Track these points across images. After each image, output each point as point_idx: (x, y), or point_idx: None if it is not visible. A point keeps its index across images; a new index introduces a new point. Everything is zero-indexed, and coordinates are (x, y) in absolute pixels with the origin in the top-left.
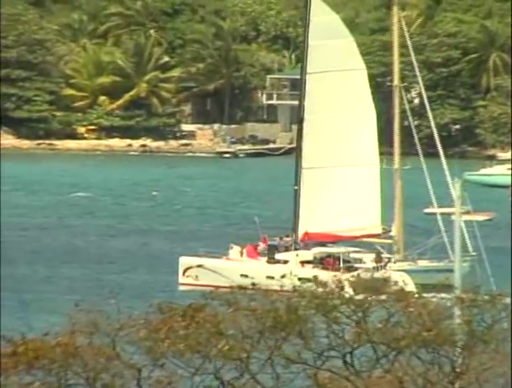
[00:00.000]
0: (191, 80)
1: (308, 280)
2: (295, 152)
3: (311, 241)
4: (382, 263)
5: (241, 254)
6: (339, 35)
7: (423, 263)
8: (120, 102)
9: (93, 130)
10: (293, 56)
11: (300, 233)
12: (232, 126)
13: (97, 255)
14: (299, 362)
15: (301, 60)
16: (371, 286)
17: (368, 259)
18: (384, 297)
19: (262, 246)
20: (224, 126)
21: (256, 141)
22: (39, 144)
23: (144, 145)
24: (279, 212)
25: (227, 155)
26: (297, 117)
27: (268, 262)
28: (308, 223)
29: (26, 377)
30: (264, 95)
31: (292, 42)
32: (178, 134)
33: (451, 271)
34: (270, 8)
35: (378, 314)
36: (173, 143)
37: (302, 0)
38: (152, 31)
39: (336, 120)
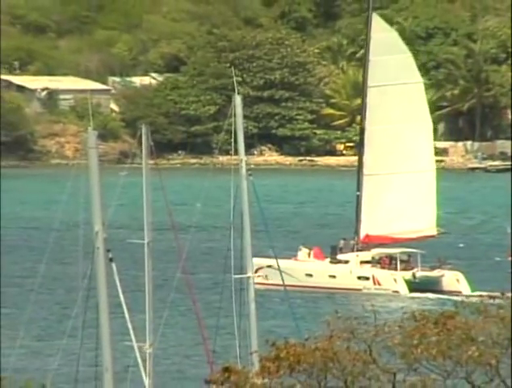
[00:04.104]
0: (445, 100)
1: (366, 278)
2: None
3: (371, 242)
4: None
5: (309, 255)
6: (398, 51)
7: None
8: None
9: (351, 147)
10: None
11: (362, 235)
12: (483, 143)
13: None
14: None
15: (363, 74)
16: None
17: None
18: None
19: None
20: (476, 143)
21: (506, 157)
22: (300, 160)
23: None
24: None
25: (478, 171)
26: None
27: (331, 262)
28: (368, 226)
29: (288, 379)
30: None
31: None
32: None
33: None
34: None
35: None
36: None
37: None
38: None
39: (395, 130)
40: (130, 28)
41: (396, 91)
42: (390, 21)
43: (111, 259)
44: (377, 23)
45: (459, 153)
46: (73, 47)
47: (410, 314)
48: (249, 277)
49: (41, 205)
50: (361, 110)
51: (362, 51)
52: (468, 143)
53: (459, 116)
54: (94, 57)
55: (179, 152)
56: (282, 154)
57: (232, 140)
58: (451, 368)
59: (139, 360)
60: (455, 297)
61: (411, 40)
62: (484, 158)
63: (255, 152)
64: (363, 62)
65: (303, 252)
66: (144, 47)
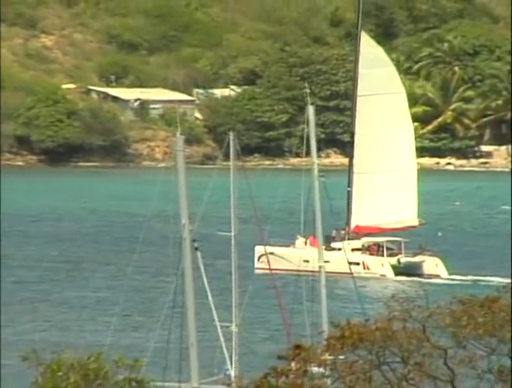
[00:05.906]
0: (490, 109)
1: (357, 263)
2: None
3: (361, 232)
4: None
5: (305, 243)
6: (383, 65)
7: None
8: (430, 127)
9: None
10: None
11: (353, 226)
12: None
13: None
14: None
15: (353, 85)
16: None
17: None
18: None
19: None
20: None
21: None
22: None
23: (449, 163)
24: None
25: None
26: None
27: (325, 249)
28: (358, 218)
29: (351, 355)
30: None
31: None
32: (478, 154)
33: None
34: None
35: None
36: (473, 161)
37: None
38: (456, 68)
39: (380, 134)
40: (212, 46)
41: (381, 100)
42: (442, 39)
43: (196, 248)
44: (366, 40)
45: (503, 156)
46: (162, 62)
47: (458, 299)
48: (320, 266)
49: (135, 201)
50: (351, 116)
51: (416, 66)
52: (510, 147)
53: (503, 123)
54: (180, 72)
55: (255, 155)
56: (346, 157)
57: (304, 144)
58: (496, 345)
59: (221, 338)
60: (434, 280)
61: (459, 56)
62: None
63: (322, 155)
64: (354, 75)
65: (300, 240)
66: (225, 62)
